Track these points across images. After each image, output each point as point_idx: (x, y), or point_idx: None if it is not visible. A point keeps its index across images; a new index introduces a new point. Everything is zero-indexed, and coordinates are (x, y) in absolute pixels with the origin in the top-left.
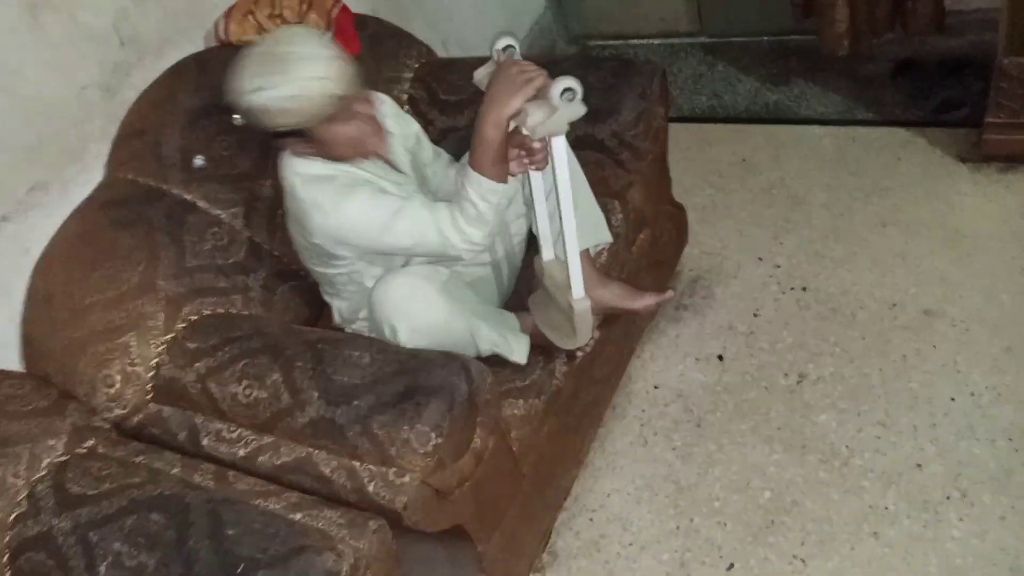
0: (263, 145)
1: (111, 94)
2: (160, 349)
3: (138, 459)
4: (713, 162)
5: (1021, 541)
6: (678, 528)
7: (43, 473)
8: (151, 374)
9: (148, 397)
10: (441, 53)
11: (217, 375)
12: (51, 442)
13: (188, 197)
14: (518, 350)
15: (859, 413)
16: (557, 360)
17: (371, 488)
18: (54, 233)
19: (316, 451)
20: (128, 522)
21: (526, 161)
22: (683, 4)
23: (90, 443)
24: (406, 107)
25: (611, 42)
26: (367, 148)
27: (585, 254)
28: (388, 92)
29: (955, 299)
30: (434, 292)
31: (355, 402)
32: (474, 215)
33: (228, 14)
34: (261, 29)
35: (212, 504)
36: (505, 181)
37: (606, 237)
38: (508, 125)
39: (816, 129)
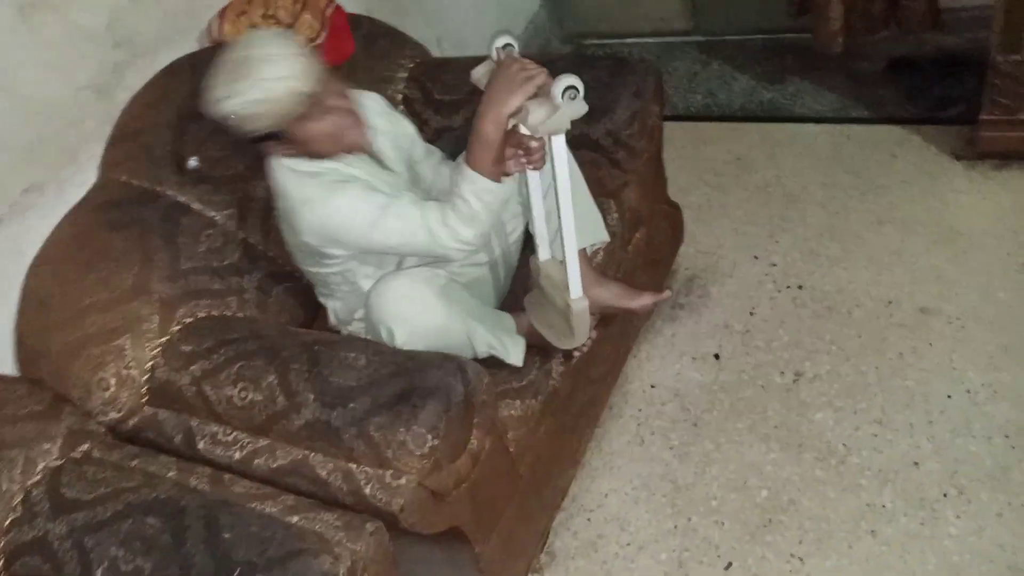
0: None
1: (105, 95)
2: (155, 352)
3: (134, 463)
4: (708, 161)
5: (1018, 538)
6: (676, 527)
7: (38, 477)
8: (146, 377)
9: (143, 400)
10: (436, 52)
11: (212, 378)
12: (46, 446)
13: (182, 199)
14: (514, 352)
15: (856, 411)
16: (554, 360)
17: (368, 490)
18: (48, 235)
19: (312, 454)
20: (124, 526)
21: (524, 160)
22: (678, 3)
23: (85, 447)
24: (400, 107)
25: (606, 41)
26: (348, 142)
27: (582, 253)
28: (383, 92)
29: (951, 296)
30: (433, 296)
31: (351, 404)
32: (467, 213)
33: (222, 14)
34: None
35: (208, 508)
36: (500, 180)
37: (603, 236)
38: (508, 123)
39: (811, 127)
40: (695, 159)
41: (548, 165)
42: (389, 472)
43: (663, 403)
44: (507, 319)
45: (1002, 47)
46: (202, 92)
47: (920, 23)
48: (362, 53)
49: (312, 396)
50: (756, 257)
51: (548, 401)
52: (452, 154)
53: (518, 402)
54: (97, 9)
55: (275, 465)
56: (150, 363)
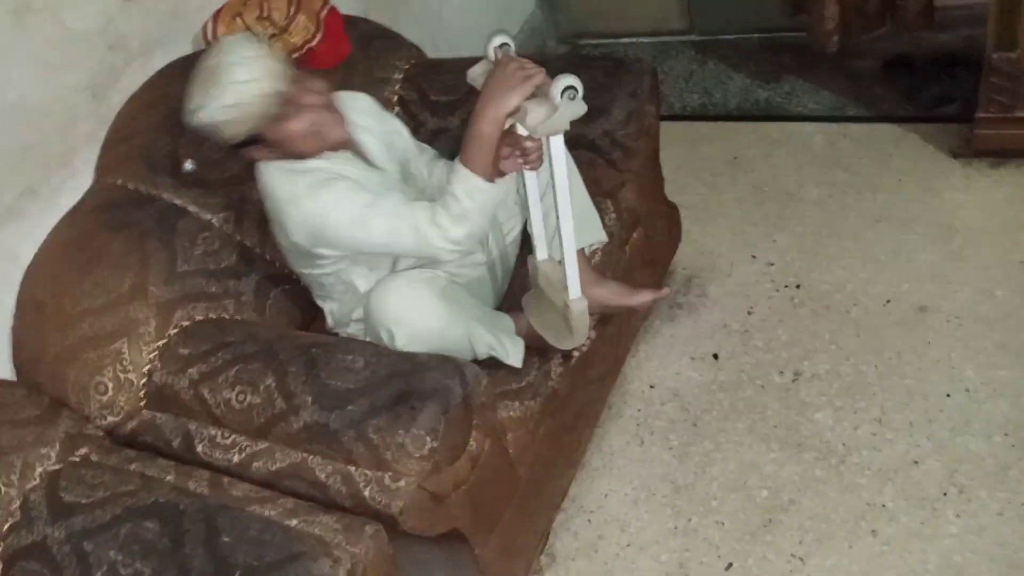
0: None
1: (99, 98)
2: (152, 355)
3: (132, 466)
4: (705, 160)
5: (1019, 536)
6: (676, 528)
7: (36, 482)
8: (144, 381)
9: (141, 404)
10: (431, 53)
11: (210, 381)
12: (44, 450)
13: (178, 202)
14: (513, 354)
15: (855, 410)
16: (553, 361)
17: (367, 493)
18: (44, 239)
19: (311, 456)
20: (123, 530)
21: (520, 160)
22: (674, 2)
23: (83, 451)
24: (396, 108)
25: (601, 41)
26: (328, 138)
27: (580, 253)
28: (378, 93)
29: (948, 294)
30: (434, 298)
31: (349, 407)
32: (458, 212)
33: (216, 17)
34: (249, 32)
35: (207, 511)
36: (494, 180)
37: (601, 236)
38: (505, 123)
39: (807, 126)
40: (692, 159)
41: (545, 165)
42: (388, 474)
43: (662, 403)
44: (506, 320)
45: (997, 45)
46: (182, 106)
47: (915, 21)
48: (358, 54)
49: (310, 399)
50: (754, 256)
51: (547, 402)
52: (449, 156)
53: (517, 403)
54: (91, 12)
55: (274, 468)
56: (148, 366)
